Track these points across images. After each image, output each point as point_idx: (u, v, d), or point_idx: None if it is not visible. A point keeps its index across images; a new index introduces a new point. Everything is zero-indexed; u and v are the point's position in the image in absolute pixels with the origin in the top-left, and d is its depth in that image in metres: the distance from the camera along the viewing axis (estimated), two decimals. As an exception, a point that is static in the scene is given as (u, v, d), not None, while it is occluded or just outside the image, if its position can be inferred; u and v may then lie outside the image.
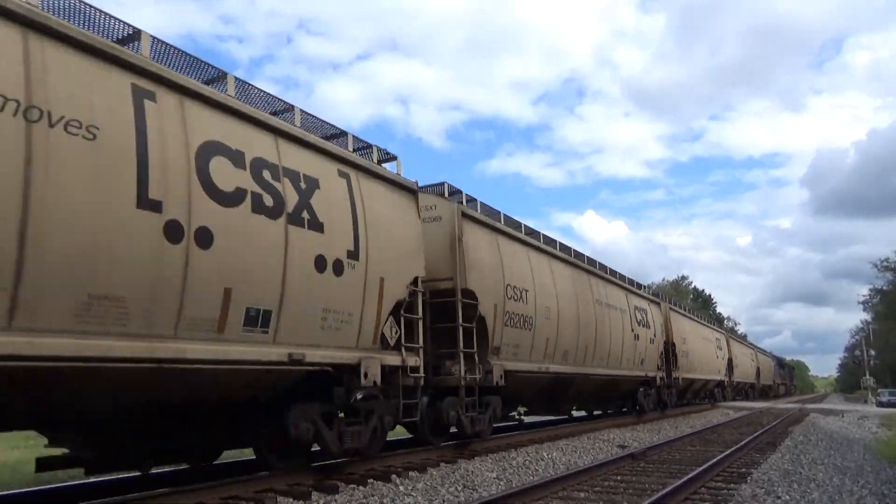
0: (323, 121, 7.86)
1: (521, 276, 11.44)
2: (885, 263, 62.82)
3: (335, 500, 6.31)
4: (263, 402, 6.81)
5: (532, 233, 13.02)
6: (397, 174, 8.75)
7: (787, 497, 6.61)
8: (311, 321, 6.72)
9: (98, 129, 4.75)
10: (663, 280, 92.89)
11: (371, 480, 7.24)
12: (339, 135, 8.05)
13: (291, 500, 6.26)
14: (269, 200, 6.19)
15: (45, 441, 6.29)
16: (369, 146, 8.51)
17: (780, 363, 70.03)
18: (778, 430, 15.44)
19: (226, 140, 5.90)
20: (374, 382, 7.55)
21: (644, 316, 19.00)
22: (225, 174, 5.78)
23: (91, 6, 5.33)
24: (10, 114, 4.24)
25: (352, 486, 6.97)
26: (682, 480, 7.09)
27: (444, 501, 6.49)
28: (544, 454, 10.15)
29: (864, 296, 73.22)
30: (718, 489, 7.27)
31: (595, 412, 19.90)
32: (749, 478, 7.86)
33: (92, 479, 7.06)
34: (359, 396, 7.49)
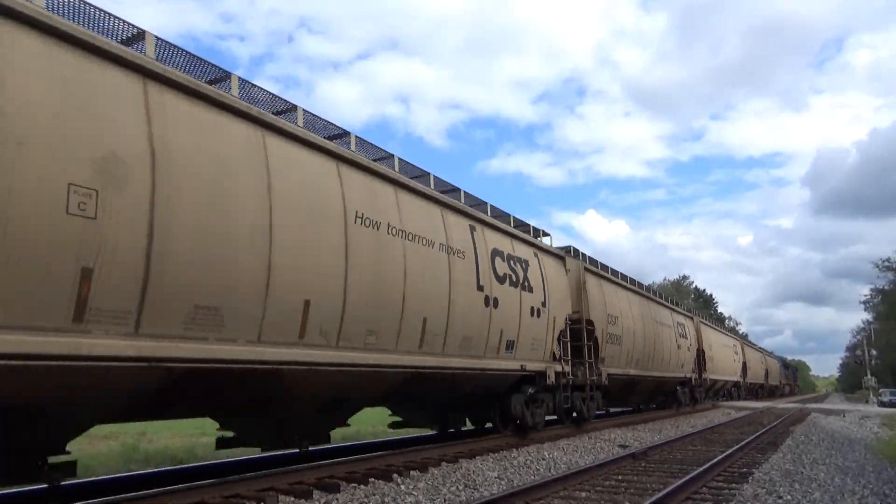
0: (515, 217, 12.41)
1: (614, 307, 16.06)
2: (886, 263, 62.25)
3: (336, 499, 6.25)
4: (497, 394, 11.42)
5: (615, 272, 17.64)
6: (550, 245, 13.38)
7: (789, 497, 6.60)
8: (527, 345, 11.33)
9: (464, 252, 9.38)
10: (664, 280, 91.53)
11: (372, 479, 7.24)
12: (525, 224, 12.68)
13: (293, 498, 6.22)
14: (514, 277, 10.81)
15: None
16: (539, 229, 13.18)
17: (785, 364, 74.45)
18: (779, 429, 15.60)
19: (498, 246, 10.53)
20: (551, 382, 12.17)
21: (683, 329, 23.67)
22: (499, 266, 10.40)
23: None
24: (443, 252, 8.85)
25: (353, 484, 6.95)
26: (684, 480, 7.11)
27: (445, 501, 6.47)
28: (545, 454, 10.24)
29: (865, 295, 72.85)
30: (720, 489, 7.26)
31: (640, 406, 24.56)
32: (750, 477, 7.88)
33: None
34: (531, 391, 12.07)
